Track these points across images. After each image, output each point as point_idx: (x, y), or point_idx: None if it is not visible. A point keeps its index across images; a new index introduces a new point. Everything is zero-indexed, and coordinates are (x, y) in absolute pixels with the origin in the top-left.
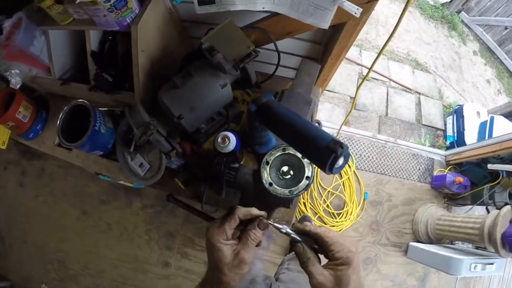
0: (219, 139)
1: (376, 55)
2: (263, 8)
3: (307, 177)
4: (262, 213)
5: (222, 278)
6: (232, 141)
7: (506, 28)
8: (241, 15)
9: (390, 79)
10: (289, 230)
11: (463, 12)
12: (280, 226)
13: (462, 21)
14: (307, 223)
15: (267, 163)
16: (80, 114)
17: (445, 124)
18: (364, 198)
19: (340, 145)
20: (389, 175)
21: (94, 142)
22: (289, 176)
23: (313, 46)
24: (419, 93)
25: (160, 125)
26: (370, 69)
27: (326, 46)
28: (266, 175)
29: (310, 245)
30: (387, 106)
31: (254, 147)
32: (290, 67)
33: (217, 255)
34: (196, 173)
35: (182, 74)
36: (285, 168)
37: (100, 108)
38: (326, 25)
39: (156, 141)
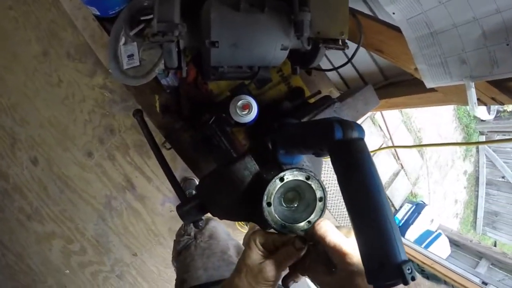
0: (240, 104)
1: (404, 126)
2: (393, 13)
3: (309, 222)
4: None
5: (235, 280)
6: (252, 113)
7: (503, 177)
8: None
9: (391, 139)
10: None
11: (485, 137)
12: None
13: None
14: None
15: (282, 179)
16: None
17: (401, 207)
18: None
19: (413, 276)
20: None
21: None
22: (291, 208)
23: (378, 74)
24: (402, 168)
25: (184, 35)
26: (393, 147)
27: (391, 84)
28: (271, 192)
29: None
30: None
31: (277, 150)
32: (340, 73)
33: (245, 253)
34: (182, 106)
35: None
36: (293, 197)
37: None
38: (430, 84)
39: (168, 51)
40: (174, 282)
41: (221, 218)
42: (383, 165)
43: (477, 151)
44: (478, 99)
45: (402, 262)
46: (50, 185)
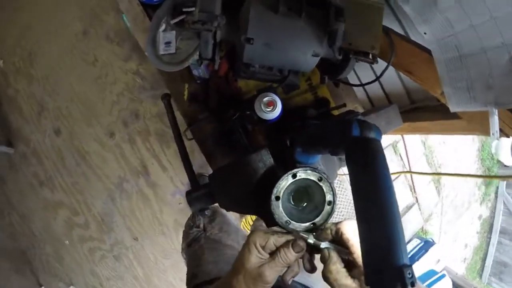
0: (266, 100)
1: (425, 159)
2: (424, 33)
3: (314, 223)
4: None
5: (233, 282)
6: (276, 110)
7: None
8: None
9: (410, 170)
10: (327, 245)
11: (504, 183)
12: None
13: (497, 187)
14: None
15: (294, 176)
16: None
17: (409, 241)
18: None
19: (413, 282)
20: None
21: None
22: (299, 207)
23: (404, 97)
24: (417, 201)
25: (222, 27)
26: (410, 172)
27: (415, 109)
28: (282, 187)
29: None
30: None
31: (295, 147)
32: (367, 91)
33: (243, 255)
34: (209, 98)
35: (293, 4)
36: (302, 197)
37: None
38: (454, 108)
39: (205, 41)
40: (168, 274)
41: (228, 209)
42: (398, 196)
43: (496, 197)
44: (500, 129)
45: (403, 265)
46: (68, 157)
